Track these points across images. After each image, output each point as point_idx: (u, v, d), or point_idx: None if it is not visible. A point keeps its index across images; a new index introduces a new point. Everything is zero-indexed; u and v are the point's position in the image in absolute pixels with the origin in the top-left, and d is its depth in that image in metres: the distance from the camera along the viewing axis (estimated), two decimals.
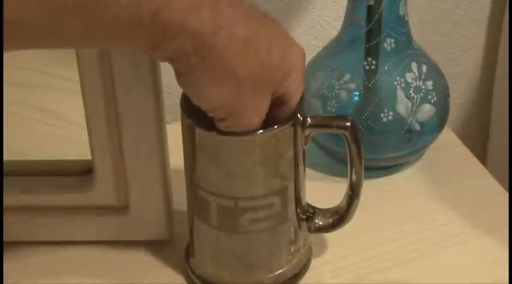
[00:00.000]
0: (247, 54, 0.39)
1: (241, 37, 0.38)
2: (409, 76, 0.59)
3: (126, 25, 0.35)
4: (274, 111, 0.44)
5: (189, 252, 0.52)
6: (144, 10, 0.34)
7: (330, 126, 0.48)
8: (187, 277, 0.52)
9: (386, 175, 0.62)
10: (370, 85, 0.59)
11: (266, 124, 0.44)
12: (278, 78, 0.41)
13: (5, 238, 0.49)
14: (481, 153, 0.87)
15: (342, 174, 0.52)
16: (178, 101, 0.45)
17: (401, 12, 0.58)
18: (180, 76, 0.40)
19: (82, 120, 0.50)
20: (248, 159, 0.45)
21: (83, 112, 0.49)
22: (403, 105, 0.58)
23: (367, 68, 0.59)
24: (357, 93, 0.59)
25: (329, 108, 0.59)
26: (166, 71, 0.42)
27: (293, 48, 0.42)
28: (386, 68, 0.59)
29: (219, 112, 0.42)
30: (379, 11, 0.57)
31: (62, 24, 0.33)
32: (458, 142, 0.67)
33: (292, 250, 0.50)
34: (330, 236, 0.54)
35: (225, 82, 0.39)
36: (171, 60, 0.39)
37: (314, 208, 0.51)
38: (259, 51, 0.39)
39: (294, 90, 0.43)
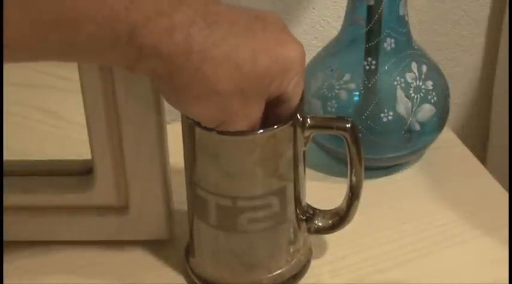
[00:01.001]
0: (226, 70, 0.38)
1: (215, 58, 0.38)
2: (409, 76, 0.59)
3: (103, 43, 0.35)
4: (276, 110, 0.44)
5: (189, 252, 0.53)
6: (120, 29, 0.35)
7: (330, 127, 0.48)
8: (187, 276, 0.52)
9: (386, 175, 0.62)
10: (370, 85, 0.59)
11: (267, 123, 0.44)
12: (268, 84, 0.41)
13: (5, 238, 0.49)
14: (481, 153, 0.87)
15: (342, 174, 0.52)
16: None
17: (401, 12, 0.58)
18: (162, 93, 0.41)
19: (82, 120, 0.50)
20: (247, 158, 0.45)
21: (83, 112, 0.49)
22: (403, 105, 0.58)
23: (367, 68, 0.59)
24: (357, 93, 0.59)
25: (329, 108, 0.59)
26: None
27: (288, 48, 0.41)
28: (386, 68, 0.59)
29: (208, 124, 0.42)
30: (379, 11, 0.57)
31: (42, 40, 0.34)
32: (458, 142, 0.67)
33: (291, 250, 0.50)
34: (329, 237, 0.54)
35: (207, 99, 0.39)
36: (152, 79, 0.40)
37: (314, 209, 0.51)
38: (241, 64, 0.39)
39: (293, 88, 0.43)
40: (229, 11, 0.39)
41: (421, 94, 0.59)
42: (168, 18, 0.36)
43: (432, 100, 0.59)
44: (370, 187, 0.55)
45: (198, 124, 0.44)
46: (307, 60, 0.64)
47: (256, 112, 0.42)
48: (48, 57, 0.37)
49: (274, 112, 0.44)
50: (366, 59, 0.59)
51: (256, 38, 0.40)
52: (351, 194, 0.50)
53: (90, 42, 0.35)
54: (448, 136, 0.66)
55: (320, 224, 0.51)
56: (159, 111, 0.48)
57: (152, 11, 0.36)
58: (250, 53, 0.39)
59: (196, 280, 0.51)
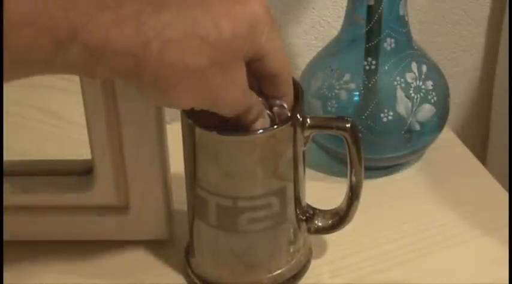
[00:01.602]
0: (192, 46, 0.37)
1: (174, 38, 0.36)
2: (409, 76, 0.59)
3: (46, 49, 0.34)
4: (254, 68, 0.42)
5: (189, 252, 0.53)
6: (61, 33, 0.34)
7: (330, 127, 0.48)
8: (187, 276, 0.52)
9: (386, 175, 0.62)
10: (370, 85, 0.59)
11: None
12: (240, 46, 0.39)
13: (5, 238, 0.49)
14: (481, 153, 0.87)
15: (342, 174, 0.52)
16: None
17: (401, 12, 0.58)
18: (144, 95, 0.39)
19: (82, 120, 0.50)
20: (247, 158, 0.45)
21: (83, 112, 0.49)
22: (403, 105, 0.58)
23: (367, 68, 0.59)
24: (357, 93, 0.59)
25: (329, 108, 0.59)
26: None
27: (248, 5, 0.39)
28: (386, 68, 0.59)
29: (201, 107, 0.41)
30: (379, 11, 0.57)
31: None
32: (458, 142, 0.67)
33: (291, 250, 0.50)
34: (329, 237, 0.54)
35: (185, 81, 0.38)
36: (124, 81, 0.38)
37: (314, 209, 0.51)
38: (205, 37, 0.37)
39: (266, 42, 0.41)
40: None
41: (421, 94, 0.59)
42: (112, 12, 0.35)
43: (432, 100, 0.59)
44: (370, 187, 0.55)
45: (198, 124, 0.44)
46: (307, 60, 0.64)
47: (241, 75, 0.41)
48: (6, 73, 0.35)
49: (252, 71, 0.42)
50: (366, 59, 0.59)
51: (212, 6, 0.38)
52: (350, 194, 0.50)
53: (33, 50, 0.34)
54: (448, 136, 0.66)
55: (320, 224, 0.51)
56: (159, 111, 0.48)
57: (94, 9, 0.34)
58: (211, 21, 0.38)
59: (196, 280, 0.51)
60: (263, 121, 0.44)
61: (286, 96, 0.45)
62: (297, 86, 0.46)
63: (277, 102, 0.45)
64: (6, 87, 0.42)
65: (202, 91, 0.39)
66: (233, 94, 0.41)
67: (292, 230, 0.49)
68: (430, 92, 0.59)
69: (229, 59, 0.39)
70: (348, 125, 0.47)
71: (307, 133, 0.47)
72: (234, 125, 0.43)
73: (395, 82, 0.59)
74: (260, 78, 0.43)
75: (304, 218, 0.51)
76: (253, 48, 0.40)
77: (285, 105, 0.45)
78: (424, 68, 0.60)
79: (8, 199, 0.50)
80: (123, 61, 0.36)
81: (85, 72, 0.37)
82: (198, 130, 0.45)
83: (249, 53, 0.40)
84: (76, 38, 0.34)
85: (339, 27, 0.61)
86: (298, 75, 0.65)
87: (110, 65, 0.36)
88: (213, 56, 0.38)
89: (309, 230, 0.51)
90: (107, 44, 0.35)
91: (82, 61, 0.35)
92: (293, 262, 0.51)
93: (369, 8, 0.57)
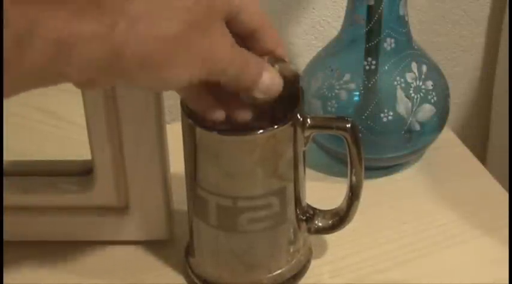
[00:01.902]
0: (163, 15, 0.36)
1: (141, 12, 0.35)
2: (409, 76, 0.59)
3: (8, 50, 0.32)
4: (231, 28, 0.40)
5: (189, 252, 0.53)
6: (20, 31, 0.32)
7: (330, 127, 0.48)
8: (187, 276, 0.52)
9: (386, 175, 0.62)
10: (370, 85, 0.59)
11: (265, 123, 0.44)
12: (213, 5, 0.38)
13: (5, 238, 0.49)
14: (481, 153, 0.87)
15: (342, 174, 0.52)
16: (179, 101, 0.45)
17: (401, 12, 0.58)
18: (137, 85, 0.38)
19: (82, 120, 0.50)
20: (248, 158, 0.45)
21: (83, 112, 0.49)
22: (403, 105, 0.58)
23: (367, 68, 0.59)
24: (357, 93, 0.59)
25: (329, 108, 0.59)
26: None
27: None
28: (386, 68, 0.59)
29: (197, 77, 0.39)
30: (379, 11, 0.57)
31: None
32: (458, 142, 0.67)
33: (291, 250, 0.50)
34: (329, 237, 0.54)
35: (173, 55, 0.37)
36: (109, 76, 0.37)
37: (314, 209, 0.51)
38: (173, 2, 0.36)
39: (240, 1, 0.40)
40: None
41: (421, 94, 0.59)
42: (71, 4, 0.33)
43: (432, 100, 0.59)
44: (370, 187, 0.55)
45: (199, 124, 0.44)
46: (307, 60, 0.64)
47: (224, 32, 0.39)
48: None
49: (235, 33, 0.41)
50: (366, 59, 0.58)
51: None
52: (351, 194, 0.50)
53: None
54: (448, 136, 0.66)
55: (320, 224, 0.51)
56: (159, 111, 0.48)
57: (51, 5, 0.33)
58: None
59: (196, 280, 0.51)
60: (269, 73, 0.42)
61: (278, 47, 0.43)
62: (297, 86, 0.46)
63: (272, 58, 0.43)
64: None
65: (191, 59, 0.38)
66: (223, 51, 0.39)
67: (292, 230, 0.49)
68: (430, 92, 0.59)
69: (206, 19, 0.38)
70: (348, 125, 0.47)
71: (307, 133, 0.47)
72: (239, 99, 0.43)
73: (395, 82, 0.59)
74: (244, 38, 0.42)
75: (304, 218, 0.51)
76: (225, 6, 0.39)
77: (284, 58, 0.43)
78: (424, 68, 0.60)
79: (8, 199, 0.50)
80: (94, 49, 0.34)
81: (58, 72, 0.35)
82: (198, 130, 0.45)
83: (222, 12, 0.39)
84: (35, 33, 0.33)
85: (339, 27, 0.61)
86: None
87: (82, 57, 0.34)
88: (187, 19, 0.37)
89: (309, 231, 0.51)
90: (72, 34, 0.33)
91: (53, 60, 0.34)
92: (293, 262, 0.51)
93: (369, 8, 0.57)
